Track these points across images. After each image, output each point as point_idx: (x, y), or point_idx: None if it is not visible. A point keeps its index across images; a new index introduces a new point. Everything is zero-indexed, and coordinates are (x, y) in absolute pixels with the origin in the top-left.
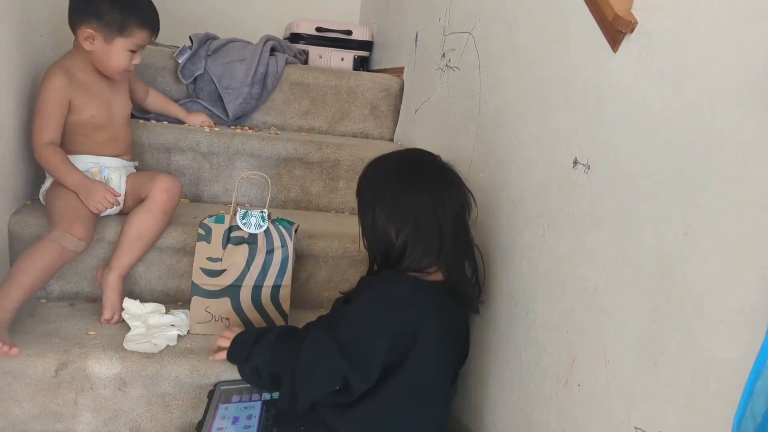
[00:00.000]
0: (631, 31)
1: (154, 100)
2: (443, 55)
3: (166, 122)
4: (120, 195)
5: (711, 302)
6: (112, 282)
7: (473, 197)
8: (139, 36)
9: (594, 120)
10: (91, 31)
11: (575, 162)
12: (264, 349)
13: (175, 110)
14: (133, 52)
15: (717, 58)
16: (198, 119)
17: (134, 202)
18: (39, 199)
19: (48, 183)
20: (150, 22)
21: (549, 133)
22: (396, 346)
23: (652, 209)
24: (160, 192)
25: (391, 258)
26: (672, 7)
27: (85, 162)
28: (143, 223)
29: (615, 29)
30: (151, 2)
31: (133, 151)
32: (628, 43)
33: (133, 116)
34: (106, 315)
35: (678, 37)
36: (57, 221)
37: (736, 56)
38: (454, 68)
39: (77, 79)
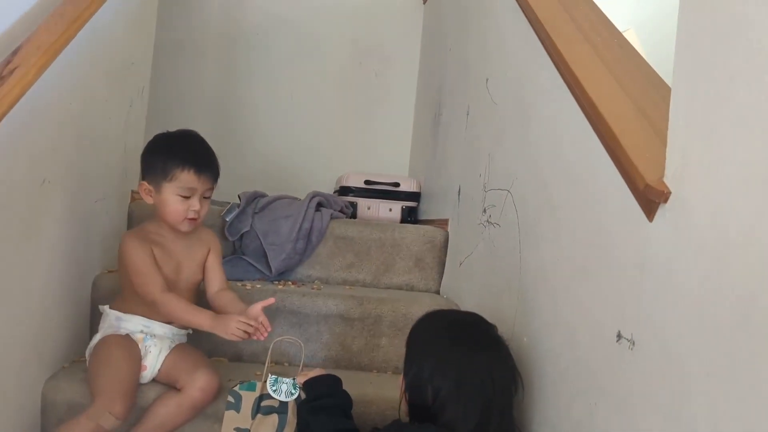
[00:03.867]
0: (665, 201)
1: (222, 298)
2: (484, 211)
3: None
4: (251, 324)
5: None
6: None
7: (521, 379)
8: (183, 179)
9: (636, 291)
10: (145, 183)
11: (619, 336)
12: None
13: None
14: (185, 197)
15: (759, 233)
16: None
17: (169, 380)
18: (79, 361)
19: (96, 339)
20: (193, 163)
21: (591, 301)
22: None
23: (707, 399)
24: (196, 391)
25: (430, 414)
26: (705, 176)
27: (135, 323)
28: (168, 416)
29: (648, 198)
30: (202, 145)
31: None
32: (663, 212)
33: None
34: None
35: (715, 209)
36: (99, 393)
37: None
38: (495, 224)
39: (152, 240)
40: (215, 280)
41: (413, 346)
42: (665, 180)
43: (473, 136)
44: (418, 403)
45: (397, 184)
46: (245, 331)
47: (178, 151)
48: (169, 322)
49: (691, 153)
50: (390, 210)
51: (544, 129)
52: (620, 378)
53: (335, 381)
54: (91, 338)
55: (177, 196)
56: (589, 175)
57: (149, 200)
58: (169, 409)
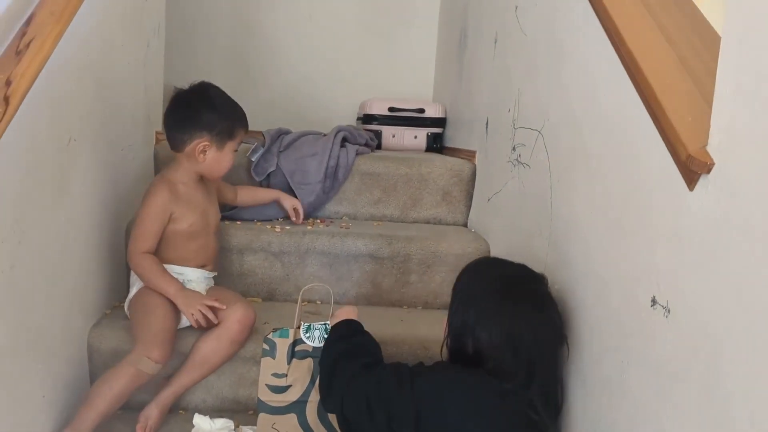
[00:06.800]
0: (708, 171)
1: (245, 194)
2: (513, 149)
3: (239, 222)
4: (222, 308)
5: None
6: (163, 398)
7: (567, 342)
8: (241, 134)
9: (673, 260)
10: (206, 143)
11: (653, 302)
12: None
13: (267, 195)
14: (234, 152)
15: None
16: (290, 202)
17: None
18: (119, 307)
19: (133, 292)
20: (245, 119)
21: (625, 261)
22: None
23: (740, 375)
24: (233, 323)
25: (470, 360)
26: (755, 146)
27: (170, 272)
28: (210, 349)
29: (689, 169)
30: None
31: (217, 261)
32: (705, 183)
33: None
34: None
35: (765, 183)
36: (138, 339)
37: None
38: (525, 165)
39: (179, 192)
40: (229, 191)
41: (462, 294)
42: (708, 149)
43: (502, 66)
44: (458, 348)
45: (422, 110)
46: (206, 319)
47: (237, 111)
48: (201, 267)
49: (739, 120)
50: (415, 137)
51: (578, 70)
52: (654, 343)
53: (350, 325)
54: (128, 284)
55: (232, 152)
56: (627, 128)
57: (202, 159)
58: (209, 343)
